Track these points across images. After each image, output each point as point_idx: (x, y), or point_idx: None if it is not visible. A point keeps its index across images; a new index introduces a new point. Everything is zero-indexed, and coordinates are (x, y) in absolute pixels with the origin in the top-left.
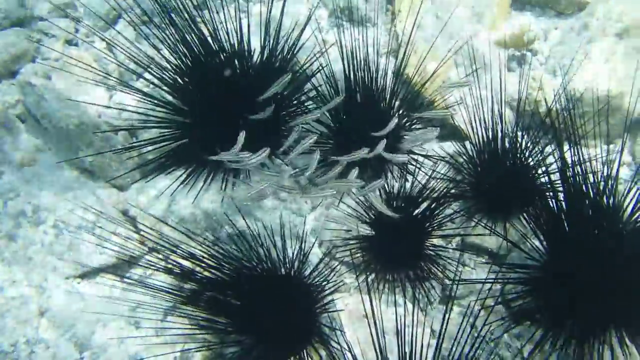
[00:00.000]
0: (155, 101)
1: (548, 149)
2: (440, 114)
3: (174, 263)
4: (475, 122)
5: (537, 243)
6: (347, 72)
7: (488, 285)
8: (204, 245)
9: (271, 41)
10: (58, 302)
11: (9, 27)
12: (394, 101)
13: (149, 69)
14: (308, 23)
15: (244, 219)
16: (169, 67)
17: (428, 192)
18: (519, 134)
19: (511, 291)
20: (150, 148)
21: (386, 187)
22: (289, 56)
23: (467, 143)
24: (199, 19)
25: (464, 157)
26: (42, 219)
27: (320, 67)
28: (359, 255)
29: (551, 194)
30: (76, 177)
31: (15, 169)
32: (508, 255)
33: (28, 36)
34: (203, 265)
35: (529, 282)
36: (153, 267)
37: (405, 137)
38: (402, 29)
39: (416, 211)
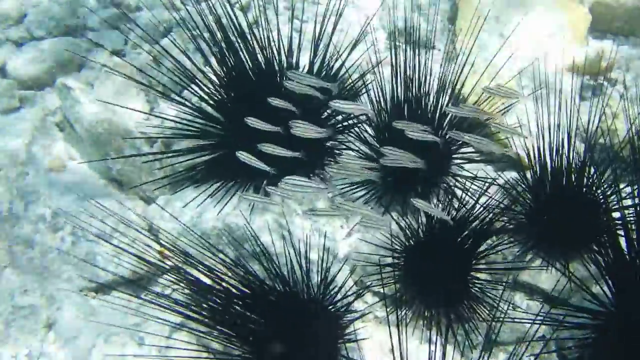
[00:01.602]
0: (195, 112)
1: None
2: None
3: (191, 278)
4: (539, 150)
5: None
6: (397, 92)
7: (540, 332)
8: (224, 262)
9: (320, 58)
10: (68, 314)
11: (60, 36)
12: (444, 123)
13: (195, 81)
14: (360, 41)
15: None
16: (214, 79)
17: (478, 219)
18: (589, 166)
19: (568, 340)
20: (181, 159)
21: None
22: (338, 74)
23: (527, 172)
24: (249, 35)
25: (523, 185)
26: (61, 224)
27: (363, 84)
28: (392, 283)
29: (622, 232)
30: (103, 185)
31: (42, 172)
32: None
33: (77, 45)
34: (222, 282)
35: (591, 330)
36: (170, 282)
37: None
38: (462, 49)
39: (461, 239)
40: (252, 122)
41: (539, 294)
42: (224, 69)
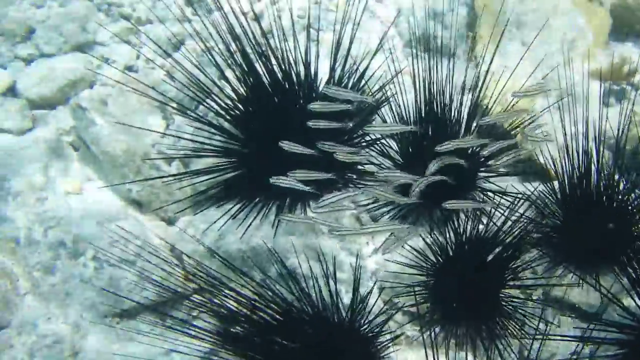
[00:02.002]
0: (213, 130)
1: None
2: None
3: (218, 303)
4: (566, 160)
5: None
6: (418, 104)
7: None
8: (250, 284)
9: (338, 70)
10: (93, 342)
11: (70, 52)
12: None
13: (211, 96)
14: (378, 51)
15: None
16: (231, 94)
17: (505, 235)
18: (618, 175)
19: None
20: (202, 178)
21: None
22: (357, 85)
23: (555, 183)
24: (264, 46)
25: (550, 197)
26: (82, 250)
27: (384, 96)
28: (421, 302)
29: None
30: (123, 207)
31: (60, 196)
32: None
33: (87, 61)
34: (249, 306)
35: (627, 345)
36: (196, 306)
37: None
38: (483, 57)
39: (491, 257)
40: (288, 146)
41: (570, 309)
42: (242, 82)
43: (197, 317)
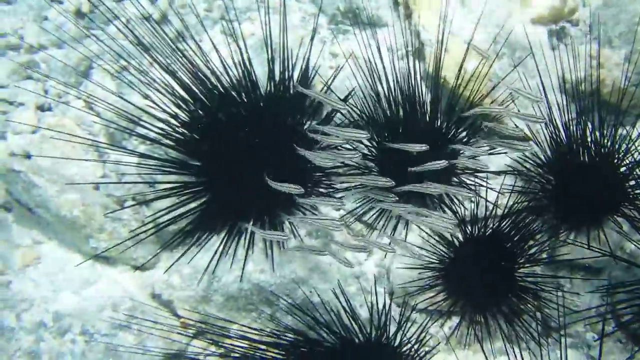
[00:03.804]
0: (159, 162)
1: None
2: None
3: (234, 349)
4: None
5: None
6: (386, 90)
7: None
8: (264, 324)
9: (276, 66)
10: None
11: None
12: (439, 114)
13: (142, 123)
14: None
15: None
16: (165, 117)
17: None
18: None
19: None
20: (168, 217)
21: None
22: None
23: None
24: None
25: (532, 162)
26: (67, 326)
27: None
28: (440, 298)
29: None
30: (91, 266)
31: (20, 272)
32: (606, 267)
33: None
34: (269, 347)
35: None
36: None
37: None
38: (419, 24)
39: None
40: (275, 185)
41: (581, 269)
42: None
43: None
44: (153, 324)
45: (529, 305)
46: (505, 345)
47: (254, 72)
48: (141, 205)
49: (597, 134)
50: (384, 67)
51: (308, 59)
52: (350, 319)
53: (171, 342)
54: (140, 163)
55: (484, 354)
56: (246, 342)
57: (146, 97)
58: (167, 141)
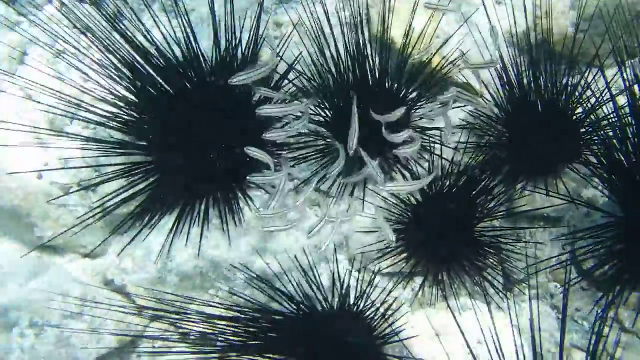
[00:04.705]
0: (105, 144)
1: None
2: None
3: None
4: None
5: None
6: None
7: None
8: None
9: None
10: None
11: None
12: (387, 76)
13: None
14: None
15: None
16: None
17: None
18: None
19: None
20: (116, 201)
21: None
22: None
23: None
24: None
25: (486, 117)
26: (14, 320)
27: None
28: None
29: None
30: (37, 258)
31: None
32: (564, 217)
33: None
34: (229, 322)
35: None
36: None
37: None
38: None
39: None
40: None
41: (541, 219)
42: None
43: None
44: (107, 311)
45: (491, 260)
46: (470, 300)
47: (198, 45)
48: (88, 190)
49: (550, 84)
50: (332, 32)
51: (257, 27)
52: (311, 288)
53: (127, 328)
54: (84, 148)
55: (451, 310)
56: (205, 320)
57: (87, 79)
58: (113, 123)
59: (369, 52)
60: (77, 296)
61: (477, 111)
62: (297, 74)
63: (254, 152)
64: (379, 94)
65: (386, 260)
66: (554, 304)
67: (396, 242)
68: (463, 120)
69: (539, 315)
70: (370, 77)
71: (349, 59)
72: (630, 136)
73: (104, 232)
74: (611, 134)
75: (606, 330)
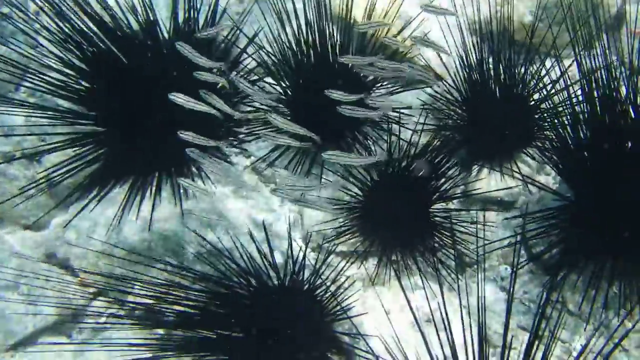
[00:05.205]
0: (52, 112)
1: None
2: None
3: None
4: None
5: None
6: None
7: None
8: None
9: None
10: None
11: None
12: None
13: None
14: None
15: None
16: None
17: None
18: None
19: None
20: (62, 171)
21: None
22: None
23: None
24: None
25: (442, 99)
26: None
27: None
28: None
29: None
30: None
31: None
32: (517, 201)
33: None
34: (178, 298)
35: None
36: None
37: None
38: None
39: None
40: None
41: (494, 203)
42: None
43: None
44: (46, 284)
45: (444, 240)
46: (422, 280)
47: (154, 14)
48: (32, 160)
49: (508, 71)
50: (294, 9)
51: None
52: (263, 264)
53: (68, 303)
54: (30, 115)
55: (402, 289)
56: (152, 296)
57: (36, 46)
58: (61, 91)
59: (331, 29)
60: (13, 266)
61: (436, 93)
62: (257, 47)
63: (186, 135)
64: (338, 71)
65: (341, 239)
66: (503, 286)
67: (351, 221)
68: (424, 102)
69: (484, 297)
70: (330, 55)
71: (310, 34)
72: (582, 122)
73: (49, 203)
74: (564, 120)
75: (550, 311)
